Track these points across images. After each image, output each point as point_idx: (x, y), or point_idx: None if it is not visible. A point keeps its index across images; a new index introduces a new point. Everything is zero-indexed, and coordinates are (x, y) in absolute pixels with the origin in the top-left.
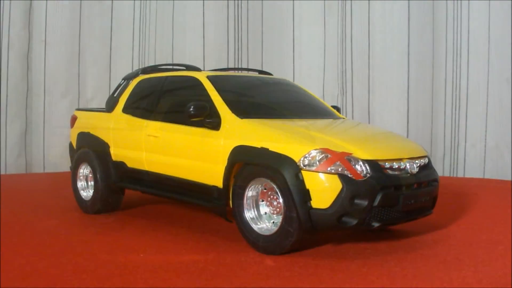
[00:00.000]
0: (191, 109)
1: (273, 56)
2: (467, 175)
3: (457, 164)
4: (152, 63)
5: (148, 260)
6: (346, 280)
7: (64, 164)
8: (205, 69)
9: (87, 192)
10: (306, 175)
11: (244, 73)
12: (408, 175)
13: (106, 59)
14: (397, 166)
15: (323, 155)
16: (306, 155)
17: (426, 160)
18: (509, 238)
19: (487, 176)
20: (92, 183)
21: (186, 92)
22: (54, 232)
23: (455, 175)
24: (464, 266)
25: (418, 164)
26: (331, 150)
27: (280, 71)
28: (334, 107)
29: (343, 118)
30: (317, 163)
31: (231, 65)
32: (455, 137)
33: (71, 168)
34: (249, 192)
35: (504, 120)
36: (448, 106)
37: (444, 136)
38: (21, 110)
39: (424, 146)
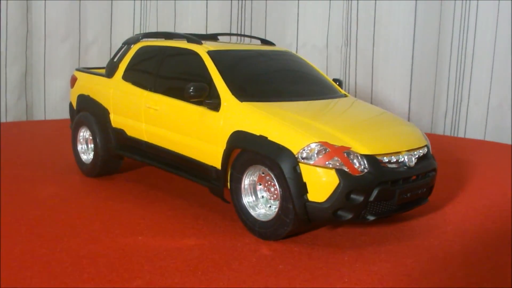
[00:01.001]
0: (191, 89)
1: (277, 5)
2: (468, 135)
3: (458, 122)
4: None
5: (146, 244)
6: (337, 279)
7: (64, 108)
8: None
9: (87, 155)
10: (303, 168)
11: (246, 44)
12: (406, 167)
13: (107, 2)
14: (395, 160)
15: (322, 148)
16: (305, 148)
17: (425, 150)
18: (507, 227)
19: (487, 138)
20: (92, 145)
21: (187, 66)
22: (51, 206)
23: (455, 135)
24: (455, 263)
25: (417, 156)
26: (330, 144)
27: (284, 20)
28: (335, 80)
29: (345, 94)
30: (316, 156)
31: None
32: (458, 94)
33: (71, 127)
34: (247, 178)
35: (509, 80)
36: (453, 62)
37: (448, 92)
38: (21, 53)
39: (426, 102)
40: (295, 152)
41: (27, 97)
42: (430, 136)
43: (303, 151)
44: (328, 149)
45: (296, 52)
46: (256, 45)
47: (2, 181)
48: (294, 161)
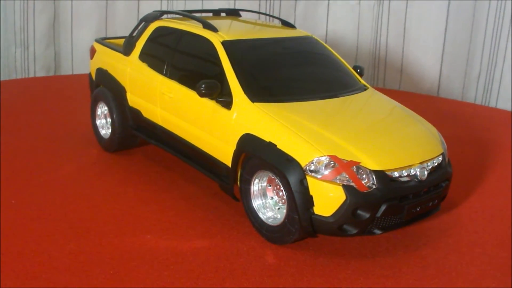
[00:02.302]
0: (202, 87)
1: None
2: (500, 103)
3: (491, 87)
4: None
5: (153, 245)
6: None
7: None
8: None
9: (105, 130)
10: (311, 181)
11: (266, 26)
12: (417, 180)
13: None
14: (406, 174)
15: (331, 163)
16: (313, 161)
17: (440, 158)
18: None
19: None
20: (110, 120)
21: (201, 54)
22: (64, 193)
23: (487, 103)
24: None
25: (430, 167)
26: (339, 159)
27: None
28: (356, 68)
29: (365, 86)
30: (324, 171)
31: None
32: (493, 56)
33: (91, 98)
34: (257, 181)
35: None
36: (490, 23)
37: (482, 54)
38: (48, 2)
39: (459, 64)
40: (303, 164)
41: (55, 45)
42: (460, 105)
43: (311, 164)
44: (337, 164)
45: (328, 8)
46: (277, 28)
47: (20, 156)
48: (302, 174)
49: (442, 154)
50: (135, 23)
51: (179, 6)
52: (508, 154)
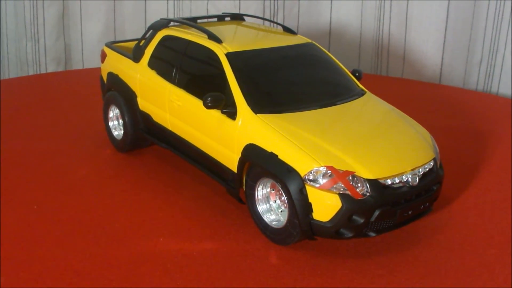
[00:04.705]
0: (208, 100)
1: None
2: (501, 90)
3: (493, 73)
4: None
5: (165, 247)
6: None
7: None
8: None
9: (118, 131)
10: (309, 190)
11: (268, 33)
12: (408, 186)
13: None
14: (398, 181)
15: (328, 173)
16: (312, 171)
17: (431, 164)
18: None
19: None
20: (122, 121)
21: (206, 65)
22: (78, 195)
23: (488, 90)
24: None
25: (421, 173)
26: (335, 169)
27: None
28: (354, 72)
29: (362, 90)
30: (321, 180)
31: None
32: (494, 42)
33: (103, 99)
34: (261, 188)
35: None
36: (492, 8)
37: (484, 40)
38: None
39: (460, 51)
40: (302, 173)
41: (65, 38)
42: (461, 92)
43: (310, 174)
44: (334, 175)
45: None
46: (278, 35)
47: (35, 158)
48: (301, 183)
49: (434, 159)
50: (143, 15)
51: (186, 4)
52: (506, 147)
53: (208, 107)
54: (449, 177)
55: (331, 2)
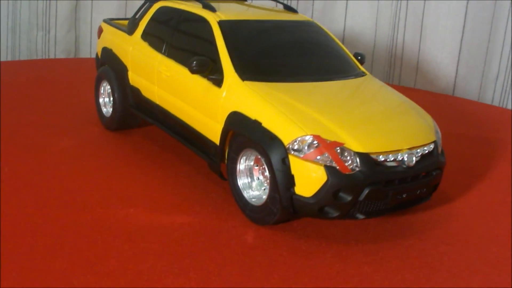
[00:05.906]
0: (194, 64)
1: None
2: None
3: (510, 89)
4: None
5: (135, 219)
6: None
7: None
8: None
9: (107, 108)
10: (293, 160)
11: (267, 10)
12: (404, 167)
13: None
14: (392, 159)
15: (314, 143)
16: (297, 140)
17: (432, 146)
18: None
19: None
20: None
21: (198, 33)
22: (57, 164)
23: (504, 105)
24: (446, 272)
25: (419, 154)
26: (322, 139)
27: None
28: (357, 55)
29: (364, 73)
30: (306, 150)
31: None
32: None
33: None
34: (243, 160)
35: None
36: (510, 22)
37: (501, 55)
38: None
39: (476, 64)
40: (286, 142)
41: (76, 30)
42: (476, 105)
43: (294, 143)
44: (320, 144)
45: (346, 4)
46: (278, 12)
47: (22, 129)
48: (284, 153)
49: (434, 142)
50: None
51: None
52: None
53: (193, 71)
54: (453, 178)
55: (346, 11)
